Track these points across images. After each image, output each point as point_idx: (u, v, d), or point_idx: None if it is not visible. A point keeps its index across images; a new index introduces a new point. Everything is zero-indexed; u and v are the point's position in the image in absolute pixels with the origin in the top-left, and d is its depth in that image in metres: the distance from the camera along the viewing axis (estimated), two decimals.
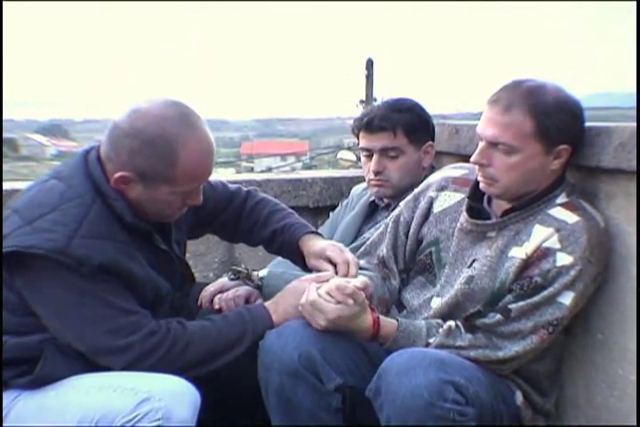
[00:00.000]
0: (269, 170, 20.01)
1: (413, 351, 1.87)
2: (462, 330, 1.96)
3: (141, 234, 1.90)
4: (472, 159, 1.98)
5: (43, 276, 1.78)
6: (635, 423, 1.87)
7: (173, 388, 1.79)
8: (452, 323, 1.97)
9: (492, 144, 1.93)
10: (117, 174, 1.80)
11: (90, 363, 1.84)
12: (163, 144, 1.77)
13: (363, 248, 2.33)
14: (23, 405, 1.82)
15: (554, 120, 1.89)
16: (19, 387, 1.83)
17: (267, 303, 2.05)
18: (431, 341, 1.96)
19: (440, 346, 1.95)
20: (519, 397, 2.02)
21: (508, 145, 1.90)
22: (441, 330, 1.97)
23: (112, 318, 1.81)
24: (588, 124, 1.98)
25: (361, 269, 2.25)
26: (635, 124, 1.85)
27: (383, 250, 2.25)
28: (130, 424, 1.73)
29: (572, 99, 1.95)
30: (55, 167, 1.97)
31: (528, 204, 1.99)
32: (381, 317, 2.00)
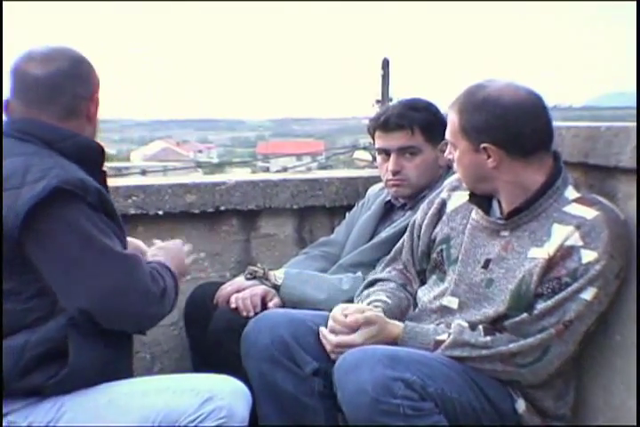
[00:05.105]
0: (285, 170, 20.03)
1: (364, 349, 1.91)
2: (482, 332, 1.94)
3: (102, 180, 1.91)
4: None
5: (55, 219, 1.72)
6: (634, 423, 1.86)
7: (231, 387, 1.83)
8: (461, 322, 1.97)
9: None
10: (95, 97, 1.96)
11: (111, 344, 1.80)
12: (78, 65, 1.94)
13: (389, 256, 2.33)
14: (73, 416, 1.76)
15: (472, 118, 1.94)
16: (55, 393, 1.76)
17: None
18: (440, 338, 1.96)
19: (453, 344, 1.94)
20: (521, 405, 1.99)
21: (449, 141, 2.04)
22: (451, 329, 1.96)
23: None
24: (606, 123, 1.97)
25: (381, 280, 2.26)
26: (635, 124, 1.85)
27: (404, 254, 2.28)
28: (193, 424, 1.74)
29: (515, 100, 1.92)
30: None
31: (531, 202, 1.96)
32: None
